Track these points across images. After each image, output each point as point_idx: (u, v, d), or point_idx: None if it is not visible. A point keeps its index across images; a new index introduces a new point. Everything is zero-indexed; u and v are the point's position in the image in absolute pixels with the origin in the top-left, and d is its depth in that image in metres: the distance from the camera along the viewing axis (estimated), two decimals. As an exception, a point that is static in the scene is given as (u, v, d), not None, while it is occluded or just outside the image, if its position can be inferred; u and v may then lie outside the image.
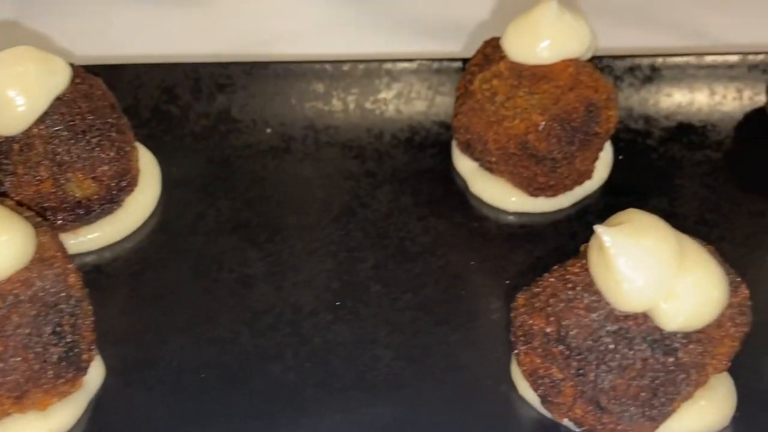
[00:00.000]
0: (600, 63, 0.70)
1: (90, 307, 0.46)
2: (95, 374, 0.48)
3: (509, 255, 0.57)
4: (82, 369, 0.45)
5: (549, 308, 0.41)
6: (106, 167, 0.52)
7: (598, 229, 0.39)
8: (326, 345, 0.50)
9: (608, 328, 0.40)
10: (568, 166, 0.55)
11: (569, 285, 0.41)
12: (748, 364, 0.49)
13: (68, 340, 0.44)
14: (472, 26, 0.77)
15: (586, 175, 0.58)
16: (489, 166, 0.59)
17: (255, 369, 0.49)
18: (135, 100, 0.65)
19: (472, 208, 0.61)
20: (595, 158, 0.57)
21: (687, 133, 0.66)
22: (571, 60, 0.55)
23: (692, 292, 0.39)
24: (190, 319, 0.52)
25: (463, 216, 0.60)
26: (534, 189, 0.57)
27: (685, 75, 0.68)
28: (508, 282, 0.54)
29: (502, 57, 0.57)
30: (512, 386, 0.48)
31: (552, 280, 0.42)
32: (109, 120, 0.53)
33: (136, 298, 0.53)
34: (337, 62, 0.68)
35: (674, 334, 0.40)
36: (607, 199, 0.61)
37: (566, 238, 0.59)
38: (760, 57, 0.69)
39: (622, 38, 0.77)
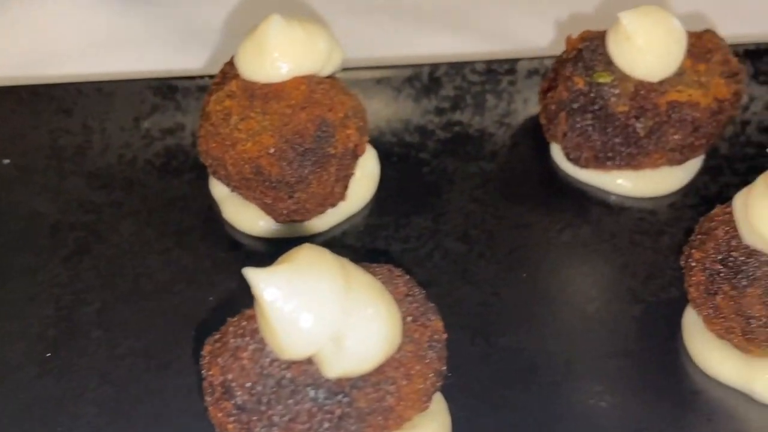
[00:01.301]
0: (378, 73, 0.67)
1: None
2: None
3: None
4: None
5: (220, 358, 0.37)
6: None
7: (247, 271, 0.36)
8: (24, 404, 0.45)
9: (272, 378, 0.36)
10: (306, 189, 0.52)
11: (239, 332, 0.38)
12: (480, 394, 0.47)
13: None
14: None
15: (336, 197, 0.54)
16: (237, 191, 0.56)
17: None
18: None
19: (225, 236, 0.57)
20: (340, 179, 0.53)
21: (463, 144, 0.63)
22: (304, 77, 0.52)
23: (355, 335, 0.36)
24: None
25: (212, 246, 0.56)
26: (278, 215, 0.54)
27: (464, 82, 0.66)
28: (245, 318, 0.51)
29: (236, 75, 0.53)
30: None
31: (230, 327, 0.38)
32: None
33: None
34: (90, 83, 0.64)
35: (345, 379, 0.37)
36: (369, 219, 0.58)
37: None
38: (545, 62, 0.67)
39: (418, 45, 0.75)
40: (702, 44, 0.58)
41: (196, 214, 0.57)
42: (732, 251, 0.44)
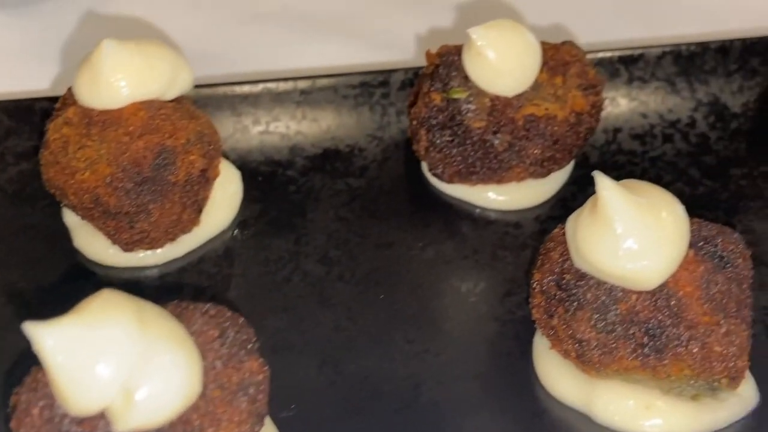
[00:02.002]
0: (247, 89, 0.66)
1: None
2: None
3: (102, 319, 0.52)
4: None
5: (16, 411, 0.36)
6: None
7: (25, 326, 0.34)
8: None
9: (64, 434, 0.35)
10: (147, 219, 0.50)
11: (33, 385, 0.36)
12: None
13: None
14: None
15: (186, 223, 0.53)
16: (85, 220, 0.54)
17: None
18: None
19: (76, 265, 0.55)
20: (188, 206, 0.52)
21: (332, 160, 0.62)
22: (144, 102, 0.50)
23: (147, 387, 0.34)
24: None
25: (61, 276, 0.54)
26: (124, 244, 0.52)
27: (336, 96, 0.65)
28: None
29: (75, 102, 0.52)
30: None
31: (28, 379, 0.37)
32: None
33: None
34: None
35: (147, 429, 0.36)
36: (229, 243, 0.57)
37: (175, 294, 0.55)
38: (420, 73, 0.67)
39: (294, 58, 0.73)
40: (560, 57, 0.58)
41: (47, 244, 0.55)
42: (565, 273, 0.43)
